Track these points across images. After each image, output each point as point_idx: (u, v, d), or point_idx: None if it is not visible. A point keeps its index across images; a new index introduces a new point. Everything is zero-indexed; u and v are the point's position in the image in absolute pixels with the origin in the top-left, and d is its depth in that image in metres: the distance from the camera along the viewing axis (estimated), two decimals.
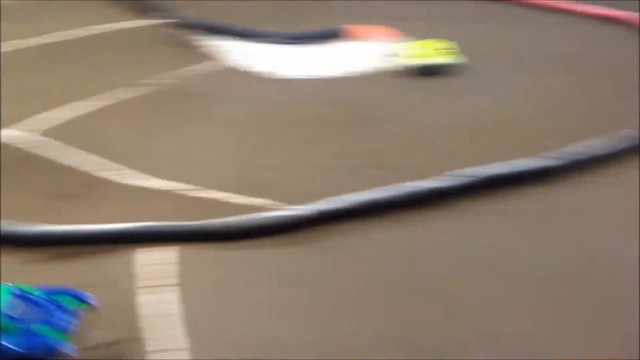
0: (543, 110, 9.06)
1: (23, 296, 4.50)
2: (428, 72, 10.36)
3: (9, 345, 4.20)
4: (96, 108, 8.65)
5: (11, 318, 4.31)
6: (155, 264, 5.57)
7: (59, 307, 4.52)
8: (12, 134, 7.75)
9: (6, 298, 4.42)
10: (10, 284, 4.58)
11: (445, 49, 10.60)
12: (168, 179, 6.95)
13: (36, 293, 4.57)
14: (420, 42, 10.82)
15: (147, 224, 5.95)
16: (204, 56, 10.96)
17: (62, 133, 7.82)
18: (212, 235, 5.95)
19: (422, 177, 6.75)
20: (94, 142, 7.63)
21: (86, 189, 6.74)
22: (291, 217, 6.09)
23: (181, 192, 6.75)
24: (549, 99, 9.48)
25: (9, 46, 10.55)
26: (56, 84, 9.37)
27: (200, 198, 6.65)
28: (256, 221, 6.04)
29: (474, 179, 6.76)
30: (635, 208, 6.40)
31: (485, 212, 6.52)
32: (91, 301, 4.68)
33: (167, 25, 11.81)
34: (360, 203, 6.31)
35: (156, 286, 5.29)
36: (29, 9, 12.31)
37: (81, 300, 4.67)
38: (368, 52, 11.18)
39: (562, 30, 12.57)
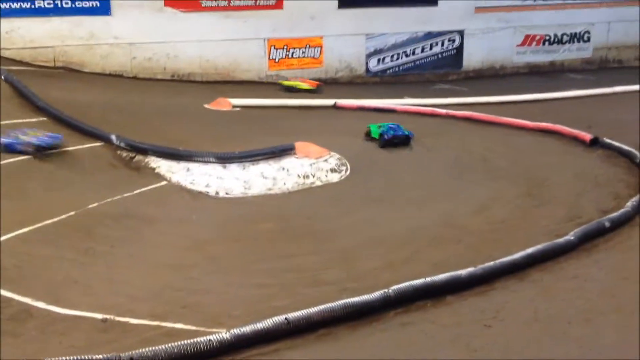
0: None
1: None
2: None
3: None
4: (16, 234, 8.06)
5: None
6: None
7: None
8: None
9: None
10: None
11: None
12: (86, 306, 6.42)
13: None
14: None
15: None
16: (148, 177, 10.72)
17: None
18: None
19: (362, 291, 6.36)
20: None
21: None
22: (209, 342, 5.51)
23: (100, 319, 6.21)
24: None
25: None
26: None
27: (124, 324, 6.11)
28: (171, 349, 5.41)
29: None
30: None
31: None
32: None
33: (109, 147, 11.60)
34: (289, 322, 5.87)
35: None
36: None
37: None
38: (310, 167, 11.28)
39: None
